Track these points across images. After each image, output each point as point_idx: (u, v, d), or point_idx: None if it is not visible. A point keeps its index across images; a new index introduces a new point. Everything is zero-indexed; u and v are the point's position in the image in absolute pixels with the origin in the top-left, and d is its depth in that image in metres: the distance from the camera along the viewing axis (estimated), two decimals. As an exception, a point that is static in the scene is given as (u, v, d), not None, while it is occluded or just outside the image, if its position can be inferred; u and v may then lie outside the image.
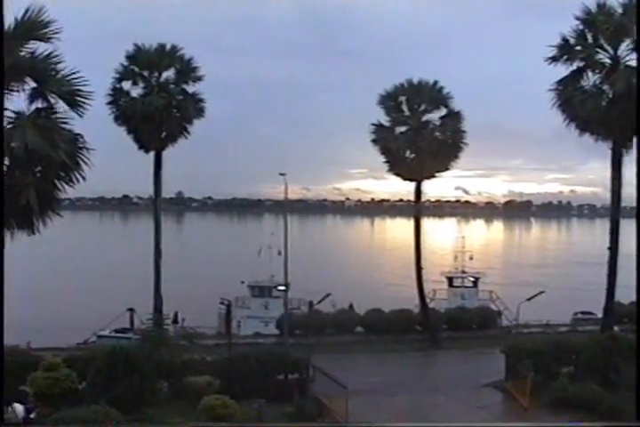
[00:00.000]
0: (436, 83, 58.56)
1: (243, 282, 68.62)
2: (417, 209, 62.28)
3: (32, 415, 34.21)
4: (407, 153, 58.33)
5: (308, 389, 40.45)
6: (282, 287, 57.75)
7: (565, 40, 47.71)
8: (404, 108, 58.73)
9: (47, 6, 28.08)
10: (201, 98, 55.79)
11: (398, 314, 61.90)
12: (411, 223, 62.28)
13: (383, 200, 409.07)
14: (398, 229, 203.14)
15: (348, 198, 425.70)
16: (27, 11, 27.62)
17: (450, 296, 72.76)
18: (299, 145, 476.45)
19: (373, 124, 58.75)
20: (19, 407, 34.44)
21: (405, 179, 59.65)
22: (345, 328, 61.34)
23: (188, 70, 55.18)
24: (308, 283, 75.01)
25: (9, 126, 27.98)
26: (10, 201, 27.61)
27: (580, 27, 47.42)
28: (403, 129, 58.55)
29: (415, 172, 58.24)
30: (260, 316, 65.46)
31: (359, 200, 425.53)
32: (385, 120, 58.82)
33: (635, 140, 44.71)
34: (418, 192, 59.82)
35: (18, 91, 28.63)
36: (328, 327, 61.24)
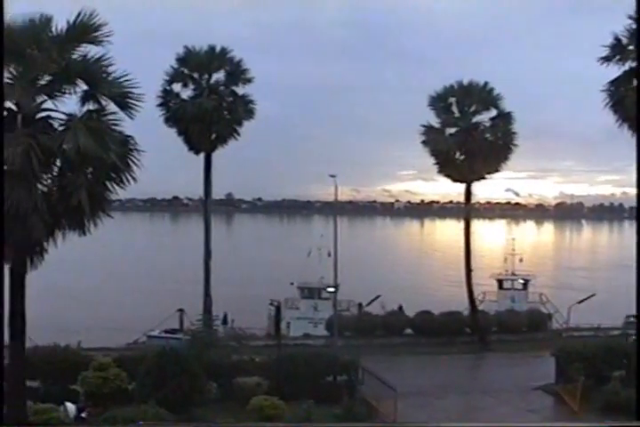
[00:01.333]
0: (486, 84, 58.36)
1: (292, 283, 68.69)
2: (467, 211, 62.01)
3: (83, 415, 34.56)
4: (457, 154, 58.15)
5: (357, 391, 40.35)
6: (331, 289, 57.72)
7: (618, 39, 47.11)
8: (454, 109, 58.54)
9: (99, 9, 28.34)
10: (251, 99, 56.14)
11: (448, 316, 61.62)
12: (460, 225, 62.05)
13: (433, 202, 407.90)
14: (448, 231, 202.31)
15: (397, 200, 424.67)
16: (79, 14, 27.88)
17: (500, 298, 72.33)
18: (348, 146, 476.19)
19: (423, 126, 58.63)
20: (70, 407, 34.80)
21: (455, 180, 59.46)
22: (394, 330, 61.12)
23: (237, 72, 55.50)
24: (358, 284, 74.98)
25: (61, 128, 28.26)
26: (61, 202, 27.92)
27: (633, 26, 46.82)
28: (453, 130, 58.39)
29: (465, 173, 58.03)
30: (310, 317, 65.49)
31: (409, 202, 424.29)
32: (435, 121, 58.73)
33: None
34: (468, 194, 59.60)
35: (70, 93, 28.90)
36: (377, 329, 61.06)
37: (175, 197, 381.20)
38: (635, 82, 47.28)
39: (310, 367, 40.29)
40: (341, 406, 36.44)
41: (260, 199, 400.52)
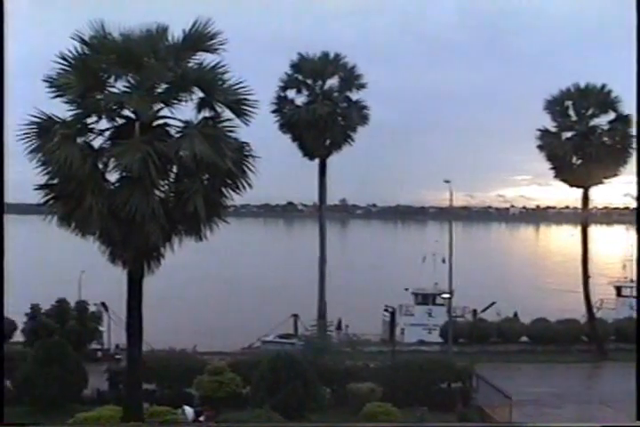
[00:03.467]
0: (603, 86, 57.20)
1: (407, 289, 68.42)
2: (584, 216, 60.91)
3: (201, 418, 34.90)
4: (574, 159, 57.20)
5: (472, 398, 39.97)
6: (446, 295, 57.34)
7: None
8: (571, 112, 57.58)
9: (214, 18, 28.73)
10: (365, 105, 56.18)
11: (564, 324, 60.60)
12: (577, 231, 61.00)
13: (548, 207, 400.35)
14: (564, 237, 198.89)
15: (512, 206, 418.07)
16: (194, 23, 28.34)
17: (618, 306, 70.74)
18: (463, 151, 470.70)
19: (539, 130, 57.83)
20: (189, 410, 35.21)
21: (572, 185, 58.45)
22: (509, 337, 60.37)
23: (351, 78, 55.60)
24: (473, 291, 74.23)
25: (177, 135, 28.71)
26: (178, 208, 28.36)
27: None
28: (569, 134, 57.45)
29: (582, 178, 57.04)
30: (424, 323, 65.04)
31: (524, 207, 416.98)
32: (551, 125, 57.85)
33: None
34: (585, 199, 58.52)
35: (186, 101, 29.35)
36: (492, 336, 60.44)
37: (289, 203, 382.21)
38: None
39: (424, 374, 40.00)
40: (455, 413, 36.15)
41: (374, 205, 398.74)
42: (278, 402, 33.51)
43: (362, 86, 55.96)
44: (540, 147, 57.76)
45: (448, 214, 59.01)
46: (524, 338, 61.20)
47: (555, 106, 57.53)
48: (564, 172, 57.73)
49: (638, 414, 10.73)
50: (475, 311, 65.86)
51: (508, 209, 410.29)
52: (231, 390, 38.43)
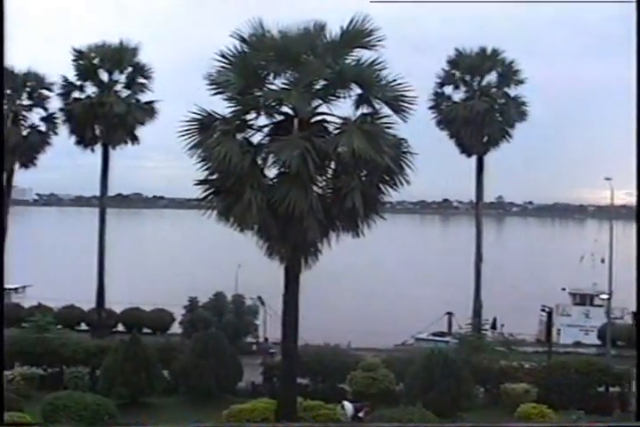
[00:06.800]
0: None
1: (564, 289, 67.15)
2: None
3: (360, 414, 34.92)
4: None
5: (630, 404, 38.84)
6: (605, 296, 55.90)
7: None
8: None
9: (371, 14, 28.74)
10: (523, 101, 55.18)
11: None
12: None
13: None
14: None
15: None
16: (351, 20, 28.43)
17: None
18: (623, 148, 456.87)
19: None
20: (348, 406, 35.34)
21: None
22: (670, 341, 58.46)
23: (509, 74, 54.71)
24: (633, 292, 72.15)
25: (336, 132, 28.85)
26: (336, 204, 28.50)
27: None
28: None
29: None
30: (581, 324, 63.69)
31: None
32: None
33: None
34: None
35: (344, 97, 29.48)
36: (653, 340, 58.65)
37: (445, 200, 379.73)
38: None
39: (581, 376, 39.11)
40: (612, 418, 35.17)
41: (530, 203, 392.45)
42: (431, 400, 33.30)
43: (520, 82, 54.98)
44: None
45: (608, 213, 57.40)
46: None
47: None
48: None
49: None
50: (635, 314, 64.05)
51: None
52: (384, 387, 38.42)
